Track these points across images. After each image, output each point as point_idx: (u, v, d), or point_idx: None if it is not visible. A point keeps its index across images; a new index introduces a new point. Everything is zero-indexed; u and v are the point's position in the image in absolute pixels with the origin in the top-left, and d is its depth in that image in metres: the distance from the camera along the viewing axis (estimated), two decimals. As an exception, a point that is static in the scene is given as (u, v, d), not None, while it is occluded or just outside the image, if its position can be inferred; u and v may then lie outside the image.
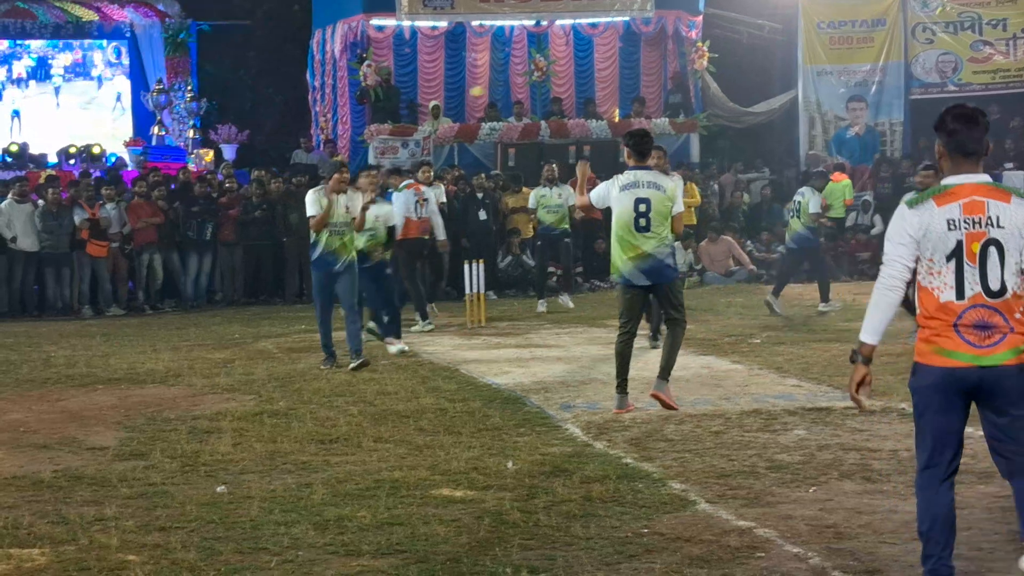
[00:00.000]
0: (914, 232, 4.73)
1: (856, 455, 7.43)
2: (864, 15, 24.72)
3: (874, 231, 21.17)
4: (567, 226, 16.90)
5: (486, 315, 15.36)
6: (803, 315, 15.59)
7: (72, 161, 21.41)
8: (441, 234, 15.39)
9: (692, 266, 19.90)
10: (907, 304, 4.93)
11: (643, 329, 11.94)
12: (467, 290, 15.46)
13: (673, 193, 9.03)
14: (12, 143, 22.03)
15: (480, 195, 19.40)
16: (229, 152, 22.96)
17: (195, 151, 22.77)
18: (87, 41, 24.46)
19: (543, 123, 22.33)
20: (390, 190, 14.86)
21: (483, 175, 20.02)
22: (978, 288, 4.66)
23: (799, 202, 15.80)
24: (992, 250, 4.66)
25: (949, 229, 4.68)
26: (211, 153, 22.89)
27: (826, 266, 16.58)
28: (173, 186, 19.44)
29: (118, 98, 24.56)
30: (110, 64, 24.64)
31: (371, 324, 12.95)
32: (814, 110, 24.71)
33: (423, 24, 22.72)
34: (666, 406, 8.89)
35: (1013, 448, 4.71)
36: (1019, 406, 4.66)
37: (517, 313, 16.72)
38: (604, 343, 13.15)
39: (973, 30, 24.55)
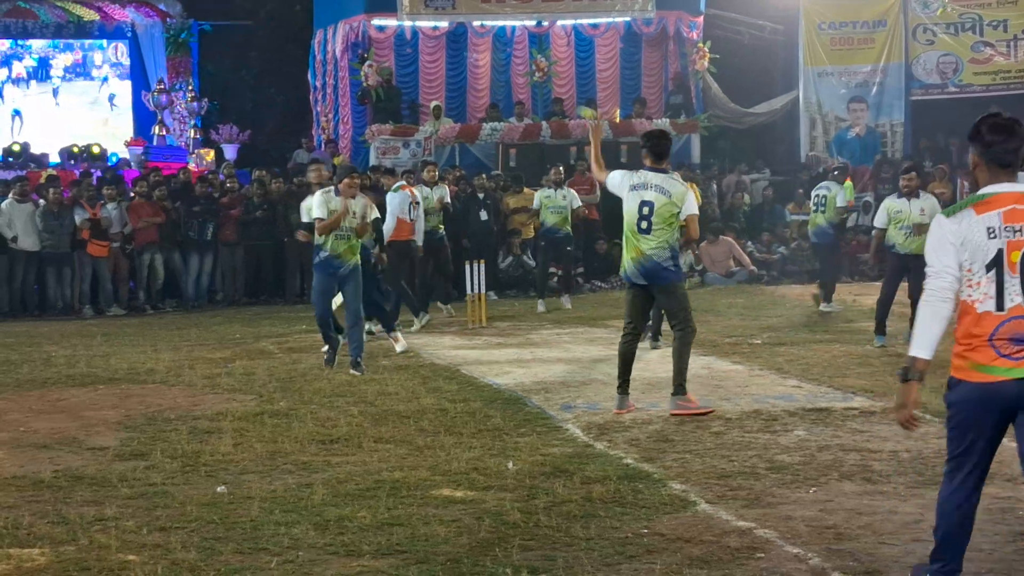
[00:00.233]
0: (954, 240, 4.61)
1: (856, 456, 7.44)
2: (865, 16, 24.73)
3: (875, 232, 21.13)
4: (570, 228, 17.06)
5: (487, 315, 15.36)
6: (804, 315, 15.59)
7: (73, 161, 21.43)
8: (420, 239, 15.25)
9: (693, 267, 19.90)
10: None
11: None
12: (468, 290, 15.47)
13: (680, 198, 8.94)
14: (14, 143, 22.05)
15: (481, 195, 19.41)
16: (230, 152, 22.99)
17: (196, 151, 22.79)
18: (88, 41, 24.48)
19: (544, 123, 22.34)
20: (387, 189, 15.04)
21: (484, 175, 20.02)
22: (1019, 299, 4.55)
23: (824, 196, 15.82)
24: None
25: (989, 237, 4.56)
26: (212, 153, 22.92)
27: (836, 267, 16.59)
28: (173, 185, 19.44)
29: (111, 98, 24.57)
30: (111, 64, 24.66)
31: (372, 327, 12.97)
32: (815, 111, 24.72)
33: (424, 24, 22.73)
34: (693, 415, 8.69)
35: None
36: None
37: (518, 313, 16.72)
38: (605, 343, 13.16)
39: (974, 31, 24.56)
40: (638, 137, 21.48)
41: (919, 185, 13.09)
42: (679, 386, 8.84)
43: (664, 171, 9.12)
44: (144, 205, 18.38)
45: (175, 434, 8.47)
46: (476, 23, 23.03)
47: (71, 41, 24.41)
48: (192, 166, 21.49)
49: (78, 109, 24.52)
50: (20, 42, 24.13)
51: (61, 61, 24.45)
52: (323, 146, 22.87)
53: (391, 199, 14.69)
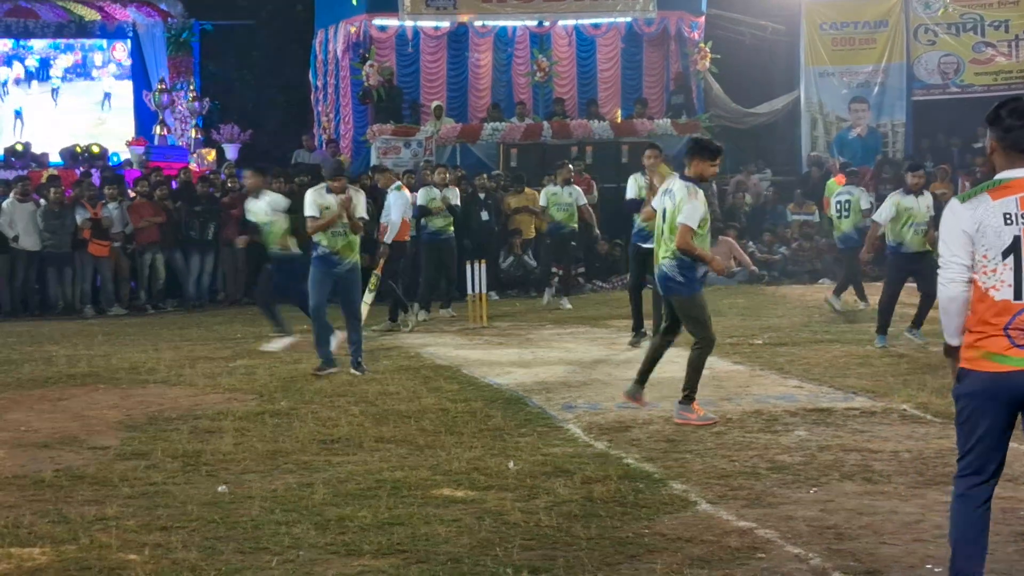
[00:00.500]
0: (968, 227, 4.50)
1: (857, 456, 7.43)
2: (866, 16, 24.73)
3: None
4: (575, 225, 17.18)
5: (488, 315, 15.37)
6: (804, 316, 15.59)
7: (74, 161, 21.44)
8: (389, 239, 15.11)
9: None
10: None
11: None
12: (469, 290, 15.48)
13: (681, 205, 8.61)
14: (17, 143, 22.07)
15: (482, 195, 19.41)
16: (231, 152, 23.00)
17: (197, 151, 22.81)
18: (89, 41, 24.49)
19: (545, 124, 22.33)
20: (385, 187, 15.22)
21: (485, 175, 20.03)
22: None
23: (847, 201, 15.76)
24: None
25: (1006, 223, 4.46)
26: (213, 153, 22.93)
27: (858, 270, 16.53)
28: (175, 185, 19.45)
29: (106, 97, 24.57)
30: (112, 64, 24.67)
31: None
32: (816, 111, 24.71)
33: (425, 24, 22.73)
34: (696, 424, 8.53)
35: None
36: None
37: (519, 313, 16.73)
38: (606, 343, 13.18)
39: (975, 31, 24.55)
40: (639, 138, 21.54)
41: (926, 183, 13.03)
42: (686, 396, 8.70)
43: (687, 178, 8.79)
44: (145, 205, 18.39)
45: (176, 434, 8.48)
46: (477, 23, 23.05)
47: (72, 41, 24.42)
48: (193, 166, 21.50)
49: (79, 109, 24.53)
50: (22, 42, 24.14)
51: (62, 61, 24.46)
52: (324, 146, 22.88)
53: (396, 198, 14.69)
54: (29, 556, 5.69)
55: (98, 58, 24.63)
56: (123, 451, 8.02)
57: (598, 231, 18.06)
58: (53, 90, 24.44)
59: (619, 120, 22.90)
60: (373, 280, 14.26)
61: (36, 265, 17.88)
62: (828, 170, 22.06)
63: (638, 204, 12.60)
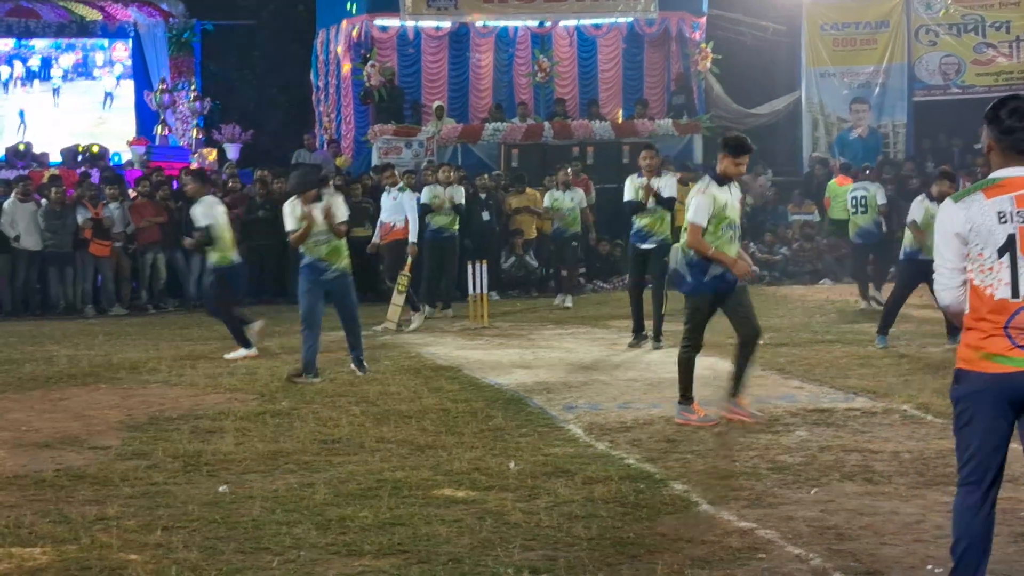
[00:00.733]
0: (960, 228, 4.44)
1: (858, 456, 7.43)
2: (868, 17, 24.74)
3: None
4: (578, 228, 17.40)
5: (489, 315, 15.37)
6: (805, 316, 15.58)
7: (75, 160, 21.45)
8: (377, 237, 15.47)
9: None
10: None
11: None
12: (470, 291, 15.49)
13: (688, 200, 8.64)
14: (20, 142, 22.08)
15: (483, 196, 19.42)
16: (233, 152, 23.00)
17: (199, 151, 22.80)
18: (90, 40, 24.51)
19: (547, 124, 22.35)
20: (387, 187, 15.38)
21: (486, 175, 20.04)
22: None
23: (863, 196, 15.80)
24: None
25: (1000, 222, 4.39)
26: (215, 153, 22.93)
27: (869, 265, 16.52)
28: (176, 185, 19.46)
29: (108, 97, 24.59)
30: (113, 64, 24.68)
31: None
32: (817, 112, 24.72)
33: (427, 24, 22.74)
34: (696, 425, 8.47)
35: None
36: None
37: (520, 314, 16.73)
38: (607, 344, 13.18)
39: (976, 32, 24.56)
40: (640, 138, 21.60)
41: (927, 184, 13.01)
42: (682, 396, 8.70)
43: (714, 175, 8.67)
44: (146, 205, 18.40)
45: (177, 433, 8.48)
46: (479, 23, 23.06)
47: (73, 41, 24.44)
48: (195, 166, 21.48)
49: (80, 109, 24.54)
50: (23, 42, 24.16)
51: (63, 61, 24.48)
52: (325, 146, 22.89)
53: (407, 198, 14.94)
54: (30, 556, 5.69)
55: (99, 58, 24.66)
56: (124, 451, 8.02)
57: (594, 234, 18.27)
58: (54, 90, 24.46)
59: (620, 120, 22.91)
60: (402, 280, 14.39)
61: (37, 265, 17.88)
62: (831, 170, 22.06)
63: (636, 206, 12.61)
